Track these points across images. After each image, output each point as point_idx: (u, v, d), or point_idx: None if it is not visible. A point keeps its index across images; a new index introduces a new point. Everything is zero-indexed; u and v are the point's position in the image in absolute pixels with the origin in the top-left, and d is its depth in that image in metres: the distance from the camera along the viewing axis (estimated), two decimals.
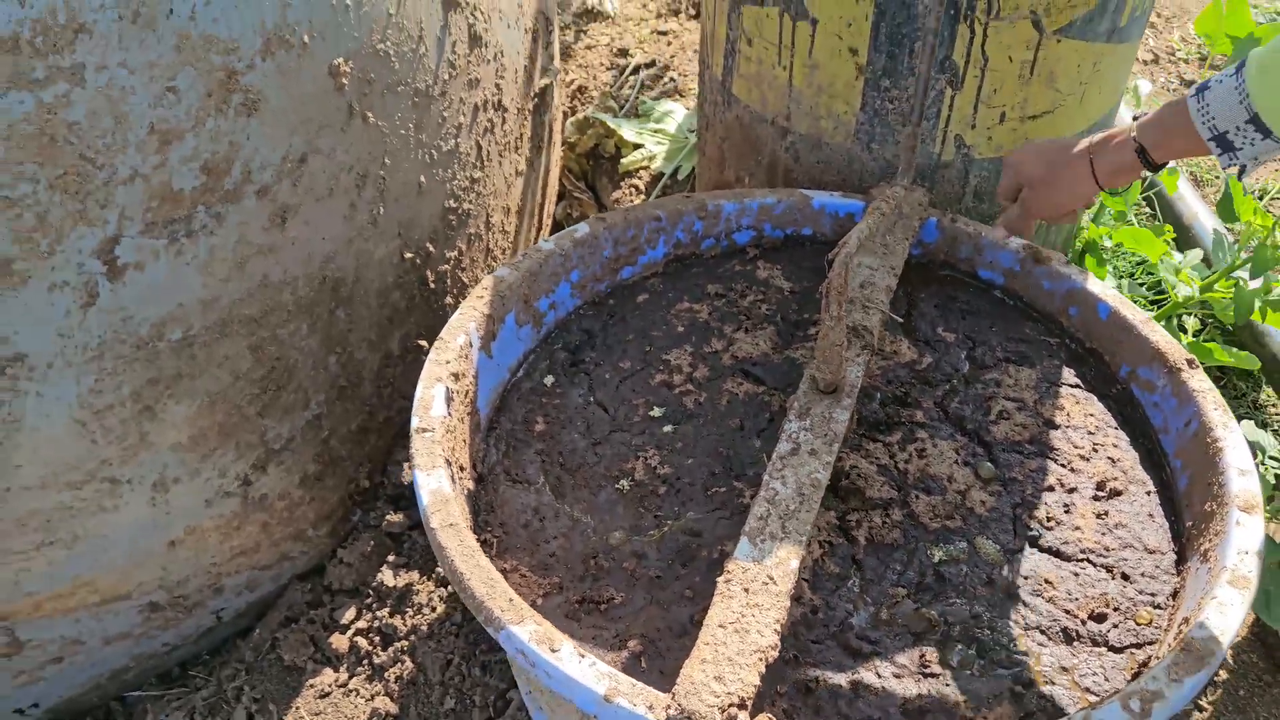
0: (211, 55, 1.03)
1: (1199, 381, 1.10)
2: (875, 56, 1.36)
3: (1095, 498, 1.09)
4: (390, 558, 1.44)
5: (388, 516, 1.45)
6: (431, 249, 1.41)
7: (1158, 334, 1.16)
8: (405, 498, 1.49)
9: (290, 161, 1.15)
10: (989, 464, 1.12)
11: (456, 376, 1.10)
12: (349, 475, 1.43)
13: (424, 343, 1.44)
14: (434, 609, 1.38)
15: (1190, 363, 1.12)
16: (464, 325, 1.15)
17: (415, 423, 1.04)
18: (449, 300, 1.48)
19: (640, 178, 2.19)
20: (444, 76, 1.33)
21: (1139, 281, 1.76)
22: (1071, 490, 1.10)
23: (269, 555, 1.40)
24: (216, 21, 1.02)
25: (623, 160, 2.20)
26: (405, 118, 1.28)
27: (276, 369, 1.25)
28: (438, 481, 0.98)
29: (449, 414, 1.07)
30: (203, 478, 1.25)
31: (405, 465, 1.48)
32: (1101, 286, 1.23)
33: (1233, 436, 1.03)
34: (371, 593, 1.42)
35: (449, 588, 1.40)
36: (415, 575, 1.41)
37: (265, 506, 1.34)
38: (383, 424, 1.45)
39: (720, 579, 0.90)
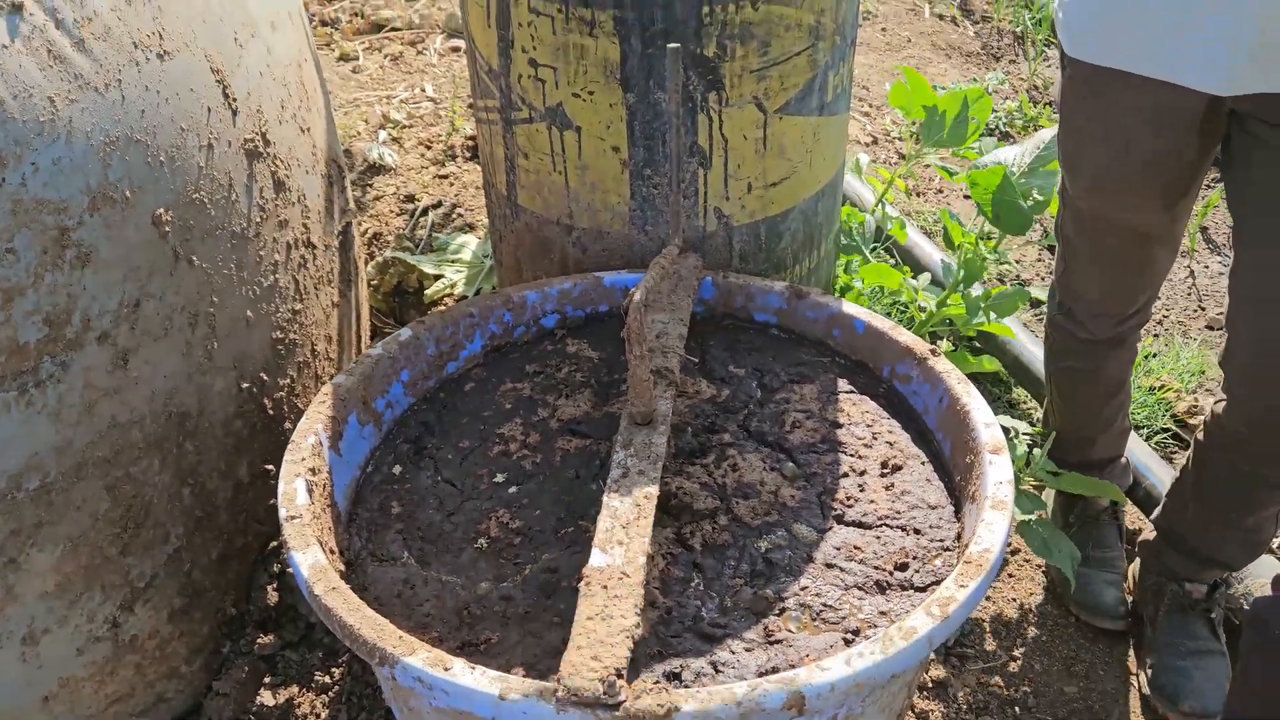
0: (44, 216, 1.13)
1: (942, 365, 1.33)
2: (635, 151, 1.58)
3: (882, 475, 1.29)
4: (266, 679, 1.49)
5: (259, 640, 1.50)
6: (265, 378, 1.51)
7: (904, 335, 1.39)
8: (274, 620, 1.54)
9: (126, 306, 1.25)
10: (791, 465, 1.30)
11: (313, 471, 1.21)
12: (215, 605, 1.48)
13: (270, 466, 1.52)
14: (319, 717, 1.44)
15: (933, 351, 1.35)
16: (312, 427, 1.26)
17: (283, 513, 1.13)
18: (288, 425, 1.57)
19: (446, 305, 2.35)
20: (256, 219, 1.46)
21: (887, 312, 2.04)
22: (862, 473, 1.29)
23: (144, 698, 1.42)
24: (46, 185, 1.13)
25: (427, 291, 2.36)
26: (226, 258, 1.40)
27: (134, 506, 1.32)
28: (314, 557, 1.08)
29: (312, 502, 1.17)
30: (72, 625, 1.29)
31: (270, 587, 1.54)
32: (855, 308, 1.46)
33: (975, 400, 1.26)
34: (253, 718, 1.46)
35: (330, 693, 1.46)
36: (295, 689, 1.46)
37: (136, 647, 1.38)
38: (242, 550, 1.51)
39: (581, 585, 1.04)
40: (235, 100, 1.42)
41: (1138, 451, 1.89)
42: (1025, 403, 2.05)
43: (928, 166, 2.63)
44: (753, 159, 1.61)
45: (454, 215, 2.61)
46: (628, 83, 1.52)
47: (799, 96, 1.59)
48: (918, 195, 2.63)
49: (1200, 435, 1.64)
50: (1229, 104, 1.36)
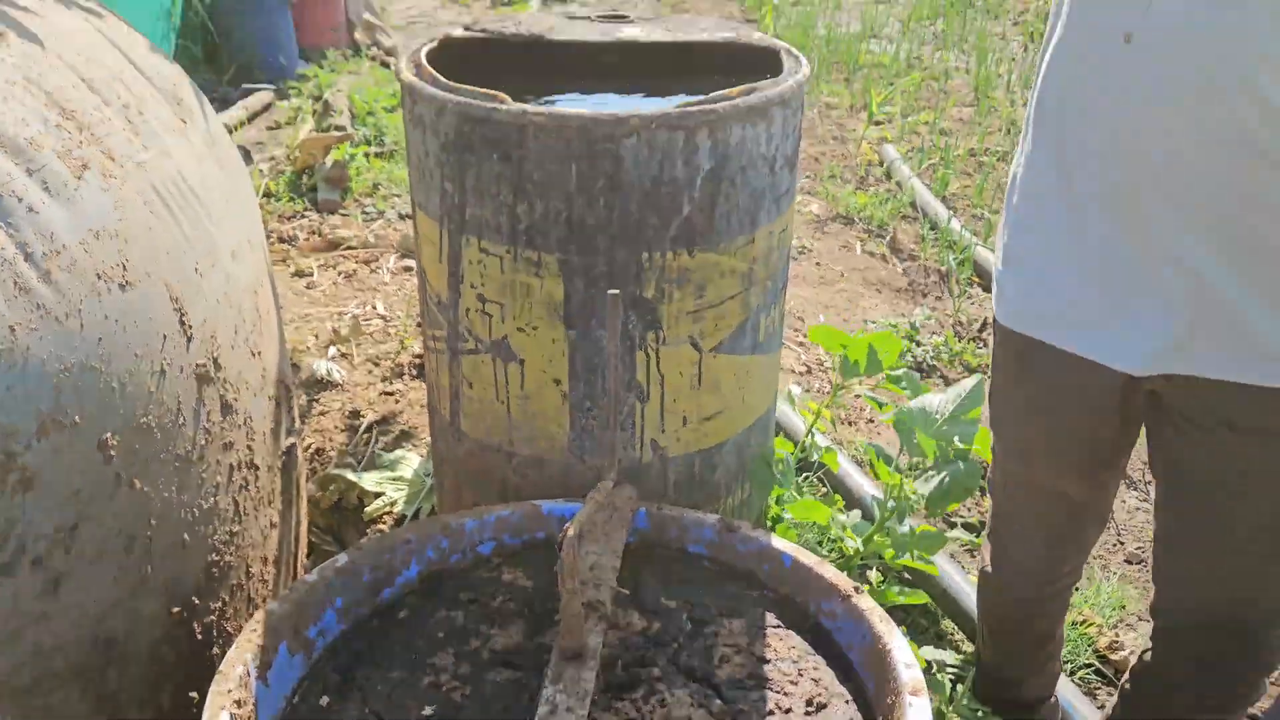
0: None
1: (865, 602, 1.37)
2: (576, 384, 1.65)
3: (807, 713, 1.30)
4: None
5: None
6: (197, 602, 1.50)
7: (829, 571, 1.43)
8: None
9: (63, 531, 1.25)
10: (719, 701, 1.31)
11: (239, 703, 1.19)
12: None
13: (194, 694, 1.49)
14: None
15: (856, 589, 1.38)
16: (241, 656, 1.25)
17: None
18: (216, 650, 1.55)
19: (385, 523, 2.35)
20: (201, 442, 1.49)
21: (819, 542, 2.08)
22: (787, 711, 1.30)
23: None
24: None
25: (366, 509, 2.36)
26: (168, 482, 1.41)
27: None
28: None
29: None
30: None
31: None
32: (783, 543, 1.51)
33: (897, 640, 1.29)
34: None
35: None
36: None
37: None
38: None
39: None
40: (191, 327, 1.47)
41: (1063, 689, 1.91)
42: (954, 634, 2.07)
43: (857, 396, 2.74)
44: (688, 394, 1.69)
45: (398, 432, 2.65)
46: (570, 320, 1.60)
47: (732, 337, 1.68)
48: (849, 424, 2.73)
49: (1128, 684, 1.67)
50: (1154, 383, 1.37)
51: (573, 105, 1.70)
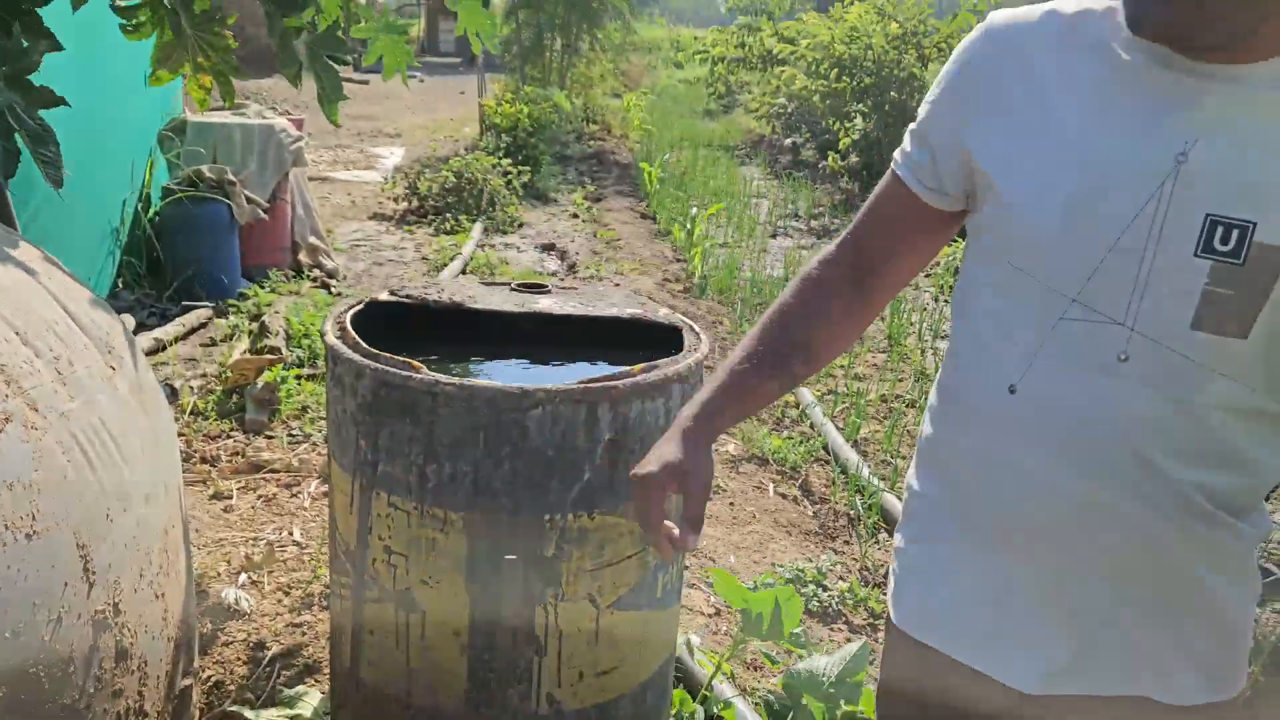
0: None
1: None
2: (475, 637, 1.69)
3: None
4: None
5: None
6: None
7: None
8: None
9: None
10: None
11: None
12: None
13: None
14: None
15: None
16: None
17: None
18: None
19: None
20: (90, 690, 1.49)
21: None
22: None
23: None
24: None
25: None
26: None
27: None
28: None
29: None
30: None
31: None
32: None
33: None
34: None
35: None
36: None
37: None
38: None
39: None
40: (94, 574, 1.50)
41: None
42: None
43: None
44: (585, 649, 1.73)
45: (302, 666, 2.62)
46: (473, 574, 1.66)
47: (630, 594, 1.75)
48: (754, 669, 2.76)
49: None
50: (1052, 705, 1.27)
51: (485, 374, 1.81)
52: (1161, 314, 1.05)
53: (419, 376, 1.57)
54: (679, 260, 7.63)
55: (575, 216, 9.15)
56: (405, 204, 8.72)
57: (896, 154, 1.30)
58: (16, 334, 1.55)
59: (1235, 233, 1.00)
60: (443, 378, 1.57)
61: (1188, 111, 1.03)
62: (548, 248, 7.83)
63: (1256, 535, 1.18)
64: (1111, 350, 1.08)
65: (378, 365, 1.60)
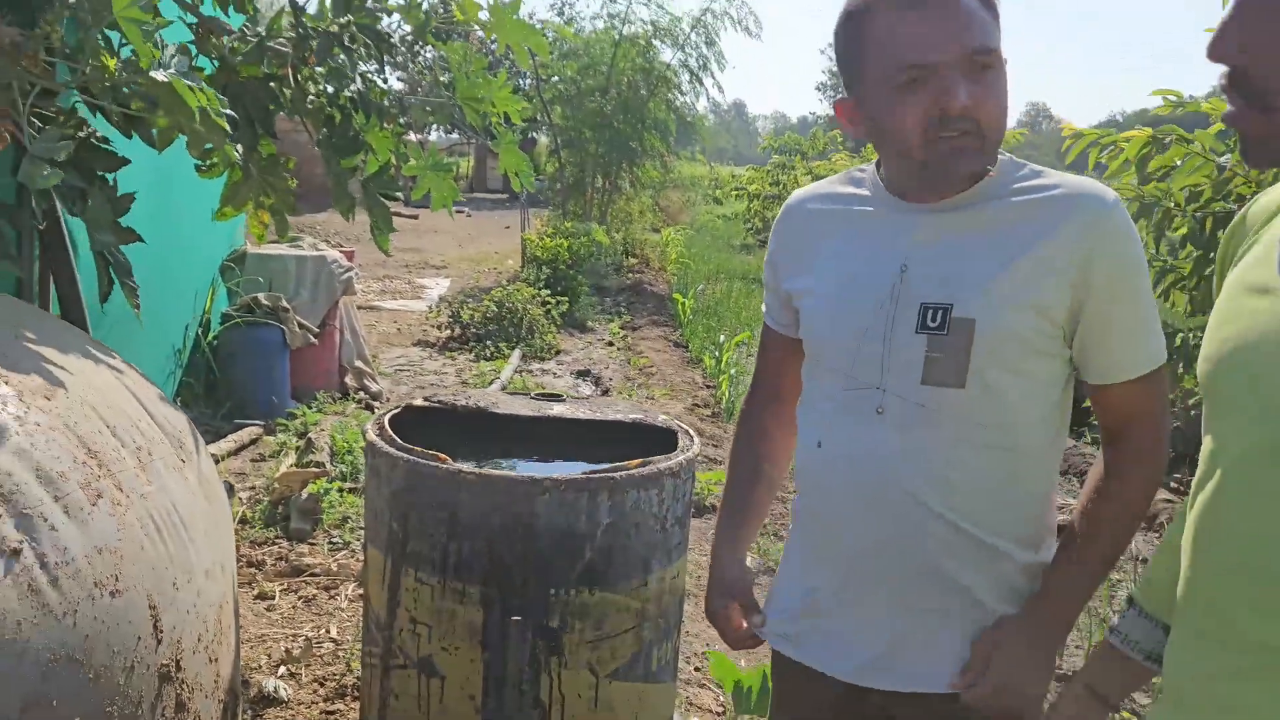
0: None
1: None
2: (488, 700, 1.90)
3: None
4: None
5: None
6: None
7: None
8: None
9: None
10: None
11: None
12: None
13: None
14: None
15: None
16: None
17: None
18: None
19: None
20: None
21: None
22: None
23: None
24: None
25: None
26: None
27: None
28: None
29: None
30: None
31: None
32: None
33: None
34: None
35: None
36: None
37: None
38: None
39: None
40: (162, 632, 1.75)
41: None
42: None
43: None
44: (586, 715, 1.93)
45: None
46: (487, 643, 1.88)
47: (627, 665, 1.96)
48: None
49: None
50: (878, 699, 1.52)
51: (502, 467, 2.07)
52: (900, 376, 1.41)
53: (445, 467, 1.83)
54: (708, 386, 7.91)
55: (611, 344, 9.51)
56: (448, 331, 9.13)
57: (764, 308, 1.72)
58: (108, 427, 1.84)
59: (940, 313, 1.39)
60: (465, 467, 1.83)
61: (907, 236, 1.44)
62: (583, 374, 8.15)
63: (1039, 562, 1.46)
64: (872, 406, 1.44)
65: (410, 457, 1.86)
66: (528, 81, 15.02)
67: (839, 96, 1.49)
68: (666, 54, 15.02)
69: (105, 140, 2.32)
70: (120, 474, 1.78)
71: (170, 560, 1.82)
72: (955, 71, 1.31)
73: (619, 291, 12.69)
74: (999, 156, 1.43)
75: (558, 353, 8.93)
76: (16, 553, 1.50)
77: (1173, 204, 3.49)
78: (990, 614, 1.45)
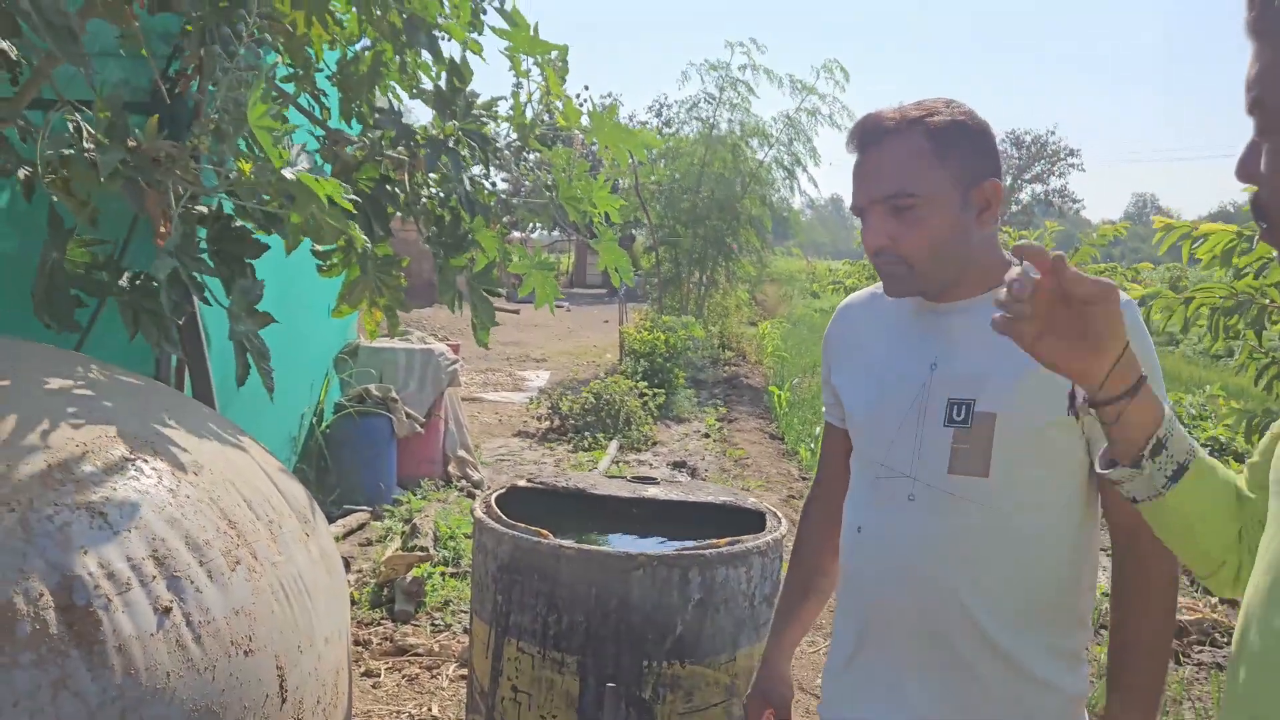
0: None
1: None
2: None
3: None
4: None
5: None
6: None
7: None
8: None
9: None
10: None
11: None
12: None
13: None
14: None
15: None
16: None
17: None
18: None
19: None
20: None
21: None
22: None
23: None
24: None
25: None
26: None
27: None
28: None
29: None
30: None
31: None
32: None
33: None
34: None
35: None
36: None
37: None
38: None
39: None
40: (287, 691, 1.90)
41: None
42: None
43: None
44: None
45: None
46: (583, 711, 1.99)
47: None
48: None
49: None
50: None
51: (600, 543, 2.20)
52: (929, 466, 1.52)
53: (546, 542, 1.96)
54: (804, 479, 7.93)
55: (706, 436, 9.61)
56: (547, 423, 9.35)
57: (823, 407, 1.85)
58: (245, 500, 2.02)
59: (964, 408, 1.51)
60: (564, 543, 1.96)
61: (934, 337, 1.57)
62: (678, 465, 8.26)
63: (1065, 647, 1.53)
64: (904, 493, 1.54)
65: (514, 532, 2.01)
66: (626, 181, 15.49)
67: None
68: (760, 152, 15.37)
69: (248, 232, 2.57)
70: (255, 543, 1.96)
71: (296, 625, 1.98)
72: (872, 214, 1.52)
73: (715, 384, 12.82)
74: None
75: (654, 444, 9.07)
76: (168, 610, 1.67)
77: (1268, 301, 3.51)
78: (1028, 683, 1.51)
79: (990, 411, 1.49)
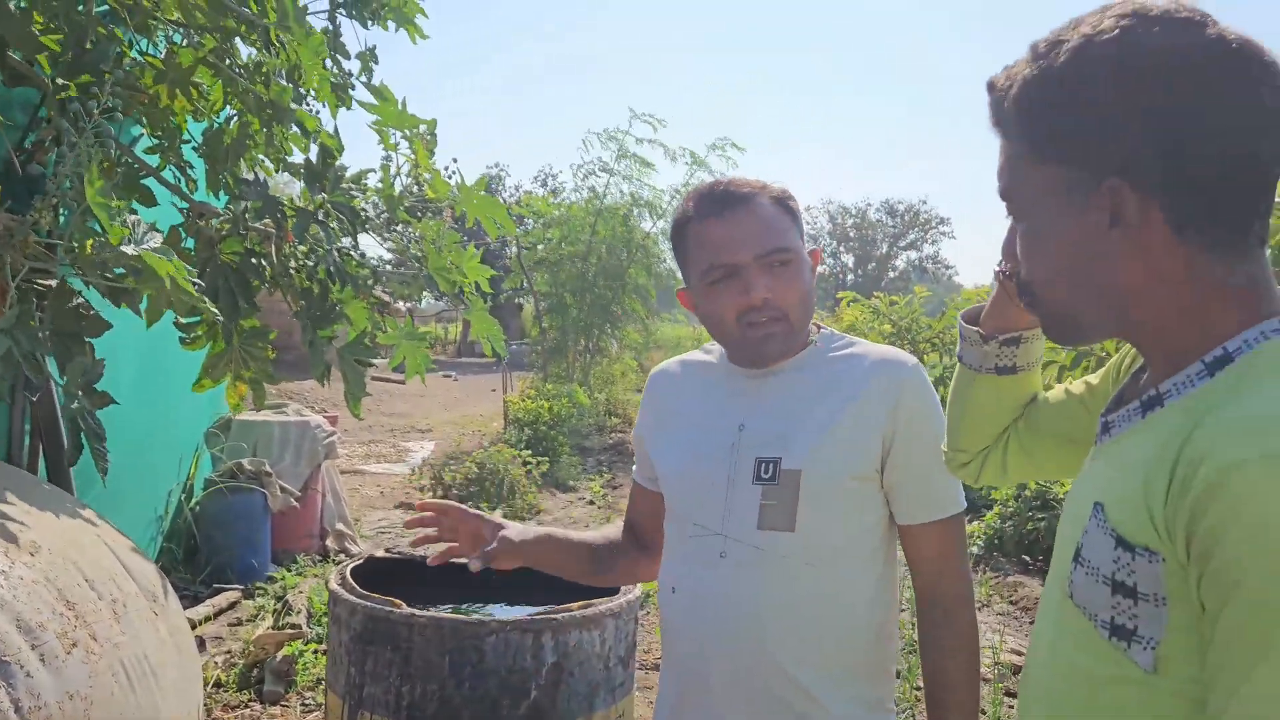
0: None
1: None
2: None
3: None
4: None
5: None
6: None
7: None
8: None
9: None
10: None
11: None
12: None
13: None
14: None
15: None
16: None
17: None
18: None
19: None
20: None
21: None
22: None
23: None
24: None
25: None
26: None
27: None
28: None
29: None
30: None
31: None
32: None
33: None
34: None
35: None
36: None
37: None
38: None
39: None
40: None
41: None
42: None
43: None
44: None
45: None
46: None
47: None
48: None
49: None
50: None
51: (459, 611, 2.20)
52: (738, 522, 1.58)
53: (399, 611, 1.96)
54: None
55: (592, 503, 9.60)
56: (430, 494, 9.22)
57: (634, 467, 1.92)
58: (86, 580, 1.97)
59: (771, 465, 1.57)
60: (417, 611, 1.96)
61: (744, 398, 1.65)
62: None
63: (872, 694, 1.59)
64: (716, 550, 1.59)
65: (367, 603, 2.00)
66: (511, 250, 15.55)
67: (681, 287, 1.74)
68: (647, 223, 15.64)
69: (92, 310, 2.52)
70: (95, 624, 1.91)
71: (139, 707, 1.92)
72: (751, 270, 1.56)
73: (601, 451, 12.85)
74: (822, 330, 1.69)
75: (539, 512, 9.02)
76: None
77: (1102, 351, 3.72)
78: None
79: (796, 468, 1.56)
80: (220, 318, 2.82)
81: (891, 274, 53.73)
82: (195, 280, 2.10)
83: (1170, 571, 0.86)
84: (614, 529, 1.93)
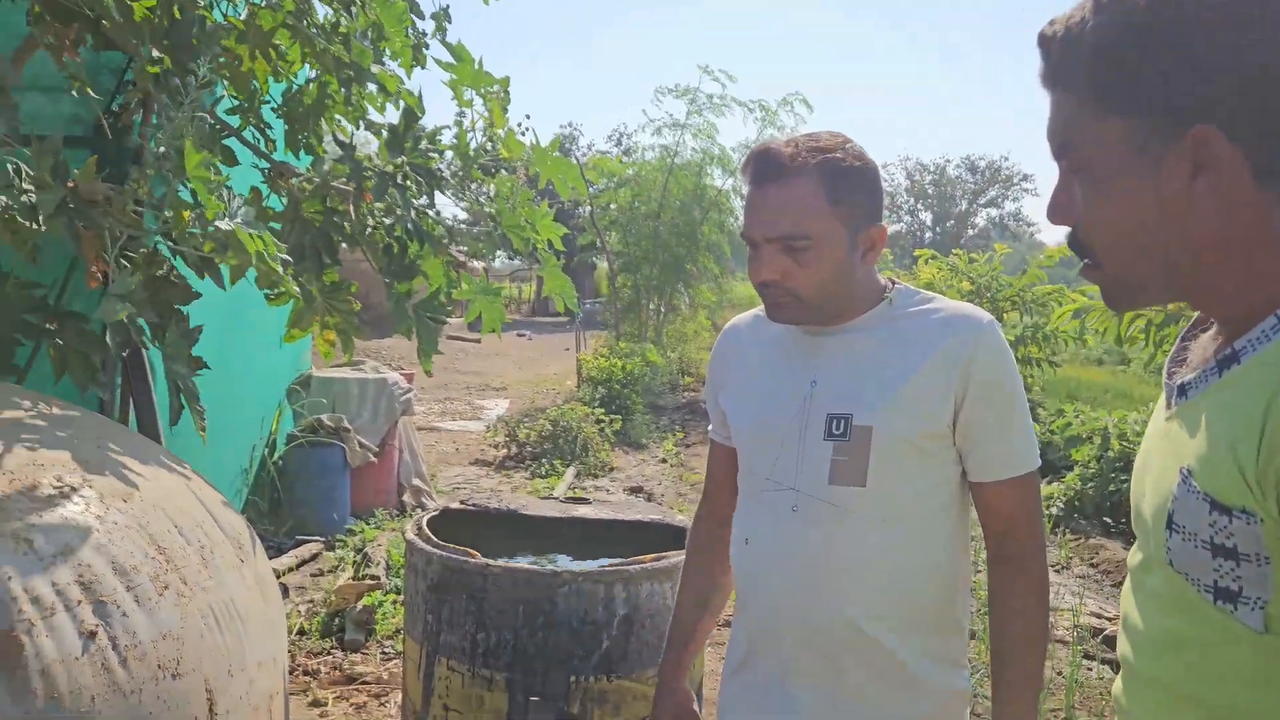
0: None
1: None
2: None
3: None
4: None
5: None
6: None
7: None
8: None
9: None
10: None
11: None
12: None
13: None
14: None
15: None
16: None
17: None
18: None
19: None
20: None
21: None
22: None
23: None
24: None
25: None
26: None
27: None
28: None
29: None
30: None
31: None
32: None
33: None
34: None
35: None
36: None
37: None
38: None
39: None
40: (216, 715, 1.92)
41: None
42: None
43: None
44: None
45: None
46: None
47: None
48: None
49: None
50: None
51: (530, 562, 2.24)
52: (811, 478, 1.59)
53: (474, 561, 2.00)
54: None
55: (664, 461, 9.66)
56: (505, 450, 9.36)
57: (709, 426, 1.91)
58: (176, 527, 2.05)
59: (842, 421, 1.58)
60: (491, 562, 2.00)
61: (814, 357, 1.65)
62: (635, 490, 8.29)
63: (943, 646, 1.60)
64: (788, 505, 1.61)
65: (443, 553, 2.05)
66: (586, 210, 15.57)
67: None
68: (720, 180, 15.54)
69: (182, 278, 2.60)
70: (185, 569, 1.98)
71: (227, 650, 2.00)
72: (765, 249, 1.58)
73: (674, 410, 12.88)
74: (897, 286, 1.68)
75: (612, 470, 9.10)
76: (93, 634, 1.70)
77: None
78: (912, 686, 1.58)
79: (867, 425, 1.56)
80: (298, 293, 2.88)
81: (971, 231, 52.61)
82: (283, 257, 2.14)
83: (1269, 530, 0.85)
84: (701, 558, 1.90)
